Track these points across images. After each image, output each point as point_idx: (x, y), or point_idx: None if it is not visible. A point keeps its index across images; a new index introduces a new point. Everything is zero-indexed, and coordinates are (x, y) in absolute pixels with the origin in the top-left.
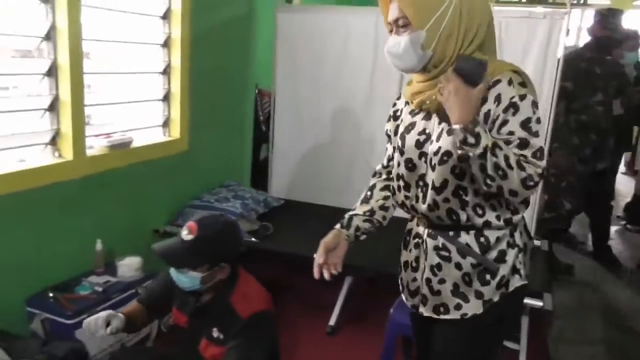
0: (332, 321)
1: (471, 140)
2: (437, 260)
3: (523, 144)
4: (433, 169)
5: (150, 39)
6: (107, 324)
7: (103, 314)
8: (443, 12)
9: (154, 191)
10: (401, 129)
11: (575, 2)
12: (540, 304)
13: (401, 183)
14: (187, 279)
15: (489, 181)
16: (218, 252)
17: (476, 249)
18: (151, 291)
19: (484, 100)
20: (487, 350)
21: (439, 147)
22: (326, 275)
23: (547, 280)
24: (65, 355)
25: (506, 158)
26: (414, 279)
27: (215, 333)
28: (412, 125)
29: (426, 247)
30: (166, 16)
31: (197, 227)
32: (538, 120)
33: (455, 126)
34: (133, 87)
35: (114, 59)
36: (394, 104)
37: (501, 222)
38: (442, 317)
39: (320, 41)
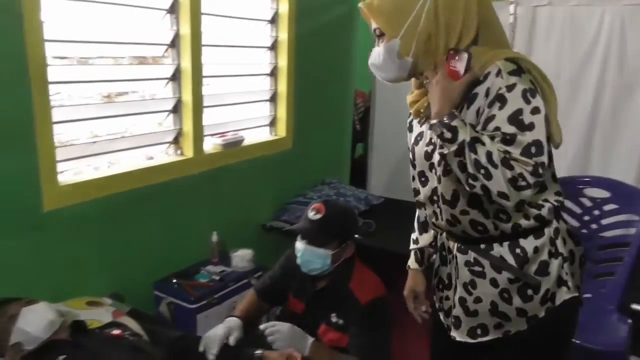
0: None
1: (447, 134)
2: (469, 276)
3: (508, 139)
4: (439, 180)
5: (259, 42)
6: (227, 337)
7: (220, 330)
8: (416, 17)
9: (261, 187)
10: (411, 141)
11: None
12: None
13: (420, 198)
14: (319, 259)
15: (471, 181)
16: (345, 228)
17: (512, 261)
18: (269, 281)
19: (474, 97)
20: None
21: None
22: (423, 317)
23: None
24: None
25: (489, 155)
26: (447, 297)
27: (334, 318)
28: (420, 135)
29: (457, 262)
30: (274, 20)
31: (324, 206)
32: (535, 110)
33: (433, 121)
34: (243, 89)
35: (226, 61)
36: (409, 114)
37: (531, 221)
38: (480, 339)
39: None
